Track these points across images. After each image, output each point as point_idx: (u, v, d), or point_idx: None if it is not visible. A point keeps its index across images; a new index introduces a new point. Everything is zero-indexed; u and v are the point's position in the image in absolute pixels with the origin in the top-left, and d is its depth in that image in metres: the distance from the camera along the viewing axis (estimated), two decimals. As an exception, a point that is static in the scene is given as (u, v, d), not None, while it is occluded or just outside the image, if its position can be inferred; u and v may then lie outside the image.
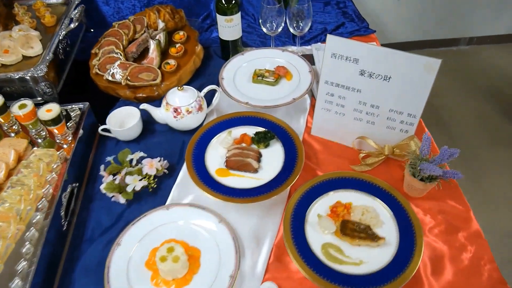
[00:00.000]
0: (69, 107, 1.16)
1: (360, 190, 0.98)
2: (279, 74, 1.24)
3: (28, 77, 1.17)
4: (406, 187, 1.02)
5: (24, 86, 1.18)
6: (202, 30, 1.55)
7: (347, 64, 1.00)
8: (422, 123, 1.15)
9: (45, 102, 1.18)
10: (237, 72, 1.28)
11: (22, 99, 1.04)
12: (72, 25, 1.35)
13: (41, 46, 1.30)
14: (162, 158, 1.08)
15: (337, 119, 1.10)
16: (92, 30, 1.60)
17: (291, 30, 1.33)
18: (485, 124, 2.48)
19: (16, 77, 1.16)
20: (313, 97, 1.25)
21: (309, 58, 1.34)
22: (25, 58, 1.28)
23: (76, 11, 1.41)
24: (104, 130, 1.16)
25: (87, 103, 1.17)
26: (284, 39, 1.50)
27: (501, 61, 2.95)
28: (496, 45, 3.06)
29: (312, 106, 1.22)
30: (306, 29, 1.32)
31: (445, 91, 2.69)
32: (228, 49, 1.38)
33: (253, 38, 1.51)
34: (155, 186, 1.04)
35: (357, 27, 1.53)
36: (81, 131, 1.10)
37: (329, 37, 0.99)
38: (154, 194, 1.04)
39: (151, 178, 1.04)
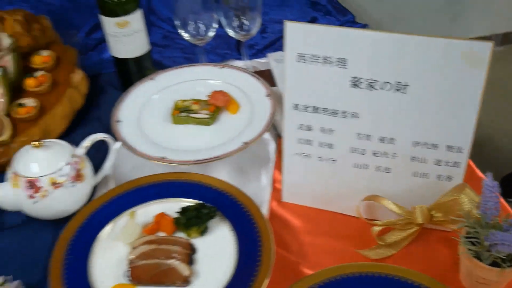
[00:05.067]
0: None
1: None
2: (216, 105, 0.82)
3: None
4: (466, 279, 0.61)
5: None
6: (87, 48, 1.08)
7: (328, 69, 0.60)
8: (471, 162, 0.75)
9: None
10: (145, 110, 0.84)
11: None
12: None
13: None
14: (8, 278, 0.60)
15: (323, 169, 0.67)
16: None
17: (231, 33, 0.92)
18: None
19: None
20: (279, 137, 0.83)
21: (266, 76, 0.93)
22: None
23: None
24: None
25: None
26: (223, 51, 1.06)
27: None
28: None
29: (280, 152, 0.78)
30: (255, 29, 0.91)
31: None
32: (129, 75, 0.93)
33: (173, 55, 1.06)
34: None
35: (337, 22, 1.12)
36: None
37: (289, 25, 0.59)
38: None
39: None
